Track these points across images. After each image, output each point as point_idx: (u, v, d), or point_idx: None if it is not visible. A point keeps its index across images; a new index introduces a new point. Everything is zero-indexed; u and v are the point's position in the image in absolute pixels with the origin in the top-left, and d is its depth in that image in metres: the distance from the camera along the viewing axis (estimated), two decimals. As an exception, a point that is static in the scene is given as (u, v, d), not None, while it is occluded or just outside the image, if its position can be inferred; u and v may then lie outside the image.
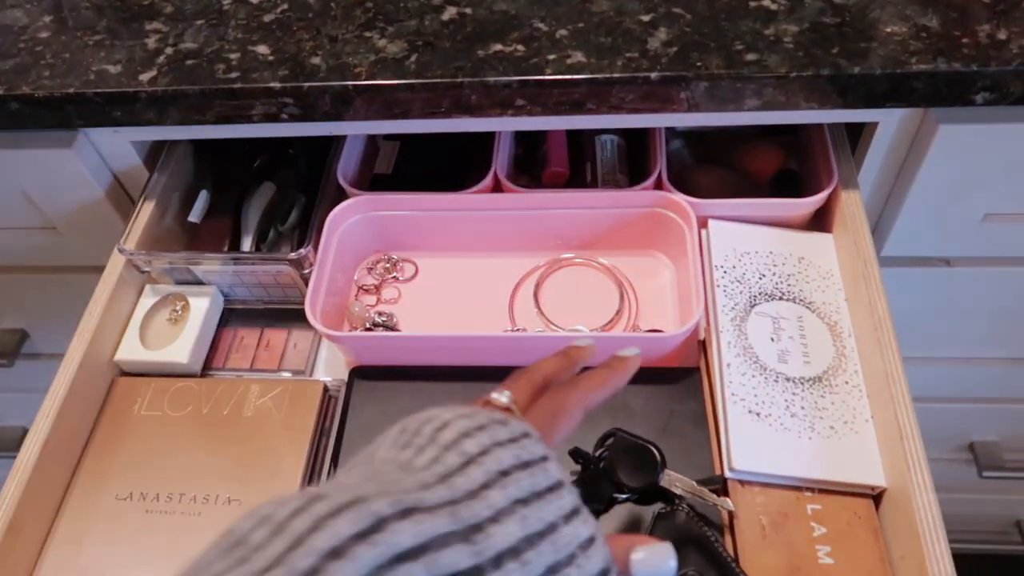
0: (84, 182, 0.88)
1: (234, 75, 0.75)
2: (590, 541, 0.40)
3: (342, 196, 0.88)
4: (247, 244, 0.93)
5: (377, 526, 0.34)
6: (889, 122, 0.79)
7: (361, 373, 0.80)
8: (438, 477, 0.39)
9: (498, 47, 0.75)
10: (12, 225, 0.96)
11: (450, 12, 0.78)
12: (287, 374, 0.85)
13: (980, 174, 0.81)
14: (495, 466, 0.39)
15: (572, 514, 0.40)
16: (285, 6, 0.82)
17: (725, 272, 0.80)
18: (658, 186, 0.84)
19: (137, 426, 0.79)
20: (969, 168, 0.80)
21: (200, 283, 0.88)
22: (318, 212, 0.87)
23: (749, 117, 0.77)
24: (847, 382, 0.73)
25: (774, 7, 0.75)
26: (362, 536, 0.34)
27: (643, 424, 0.73)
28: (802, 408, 0.71)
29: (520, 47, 0.74)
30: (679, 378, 0.76)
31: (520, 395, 0.49)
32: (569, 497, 0.41)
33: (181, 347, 0.83)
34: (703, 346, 0.79)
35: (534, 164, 0.95)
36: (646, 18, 0.75)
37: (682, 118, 0.78)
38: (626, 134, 0.94)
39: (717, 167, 0.91)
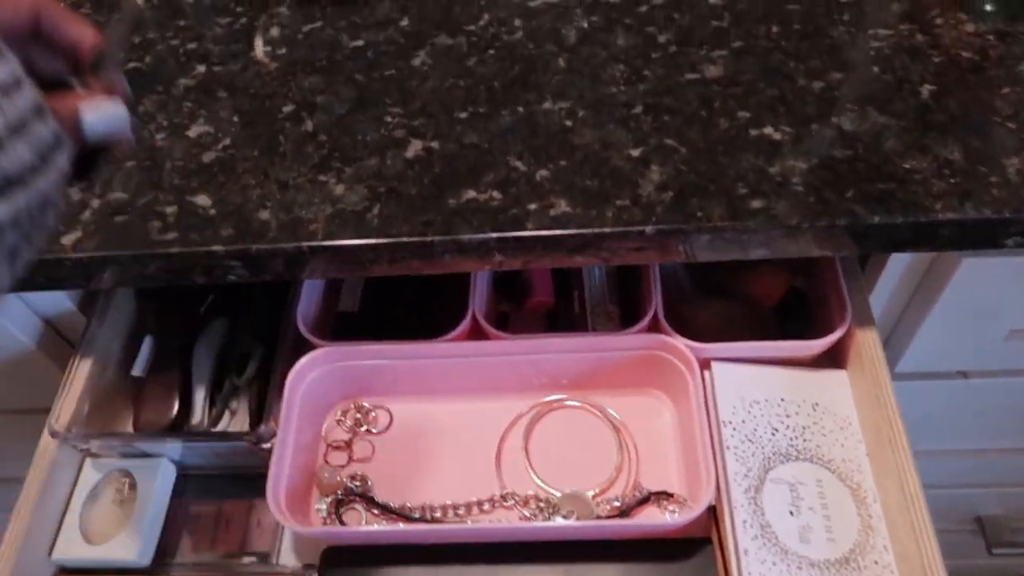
0: (9, 336, 0.80)
1: (171, 235, 0.66)
2: (36, 111, 0.39)
3: (303, 341, 0.80)
4: (199, 399, 0.85)
5: None
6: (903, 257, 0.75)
7: (335, 558, 0.73)
8: None
9: (471, 194, 0.66)
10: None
11: (415, 147, 0.70)
12: (251, 559, 0.76)
13: (1005, 297, 0.77)
14: None
15: (12, 88, 0.38)
16: (227, 141, 0.73)
17: (735, 429, 0.72)
18: (654, 325, 0.77)
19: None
20: (994, 294, 0.76)
21: (147, 455, 0.79)
22: (278, 367, 0.79)
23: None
24: (876, 561, 0.66)
25: (778, 136, 0.67)
26: None
27: None
28: None
29: (496, 193, 0.66)
30: (689, 553, 0.69)
31: None
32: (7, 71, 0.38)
33: (130, 540, 0.74)
34: (713, 512, 0.71)
35: (514, 289, 0.87)
36: (635, 152, 0.67)
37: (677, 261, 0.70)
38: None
39: (717, 298, 0.83)
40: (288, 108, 0.74)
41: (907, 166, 0.65)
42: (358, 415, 0.84)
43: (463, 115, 0.71)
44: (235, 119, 0.73)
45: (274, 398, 0.77)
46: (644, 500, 0.75)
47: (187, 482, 0.81)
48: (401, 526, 0.76)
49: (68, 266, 0.67)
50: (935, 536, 0.63)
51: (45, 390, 0.82)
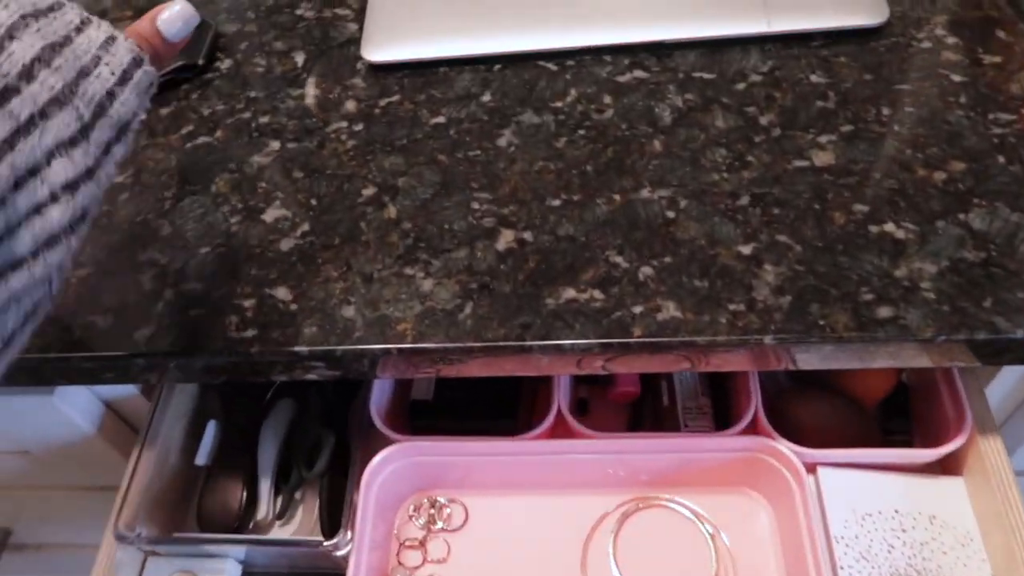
0: (71, 425, 0.78)
1: (250, 333, 0.62)
2: (110, 40, 0.45)
3: (373, 430, 0.76)
4: (264, 490, 0.81)
5: None
6: None
7: None
8: None
9: (570, 293, 0.61)
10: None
11: (506, 238, 0.65)
12: None
13: None
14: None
15: (83, 24, 0.44)
16: (306, 227, 0.68)
17: (848, 546, 0.67)
18: (753, 425, 0.72)
19: None
20: None
21: (212, 555, 0.75)
22: (353, 464, 0.75)
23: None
24: None
25: (901, 234, 0.62)
26: None
27: None
28: None
29: (597, 293, 0.61)
30: None
31: None
32: (73, 11, 0.44)
33: None
34: None
35: (597, 376, 0.82)
36: (746, 250, 0.62)
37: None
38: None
39: (818, 393, 0.77)
40: (369, 191, 0.69)
41: (1050, 266, 0.59)
42: (432, 510, 0.80)
43: (556, 203, 0.66)
44: (313, 202, 0.69)
45: (350, 495, 0.73)
46: None
47: None
48: None
49: (140, 364, 0.62)
50: None
51: (107, 472, 0.80)
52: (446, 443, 0.75)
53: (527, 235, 0.64)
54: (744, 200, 0.65)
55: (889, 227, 0.62)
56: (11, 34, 0.40)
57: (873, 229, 0.62)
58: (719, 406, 0.80)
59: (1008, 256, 0.60)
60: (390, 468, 0.75)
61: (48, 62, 0.41)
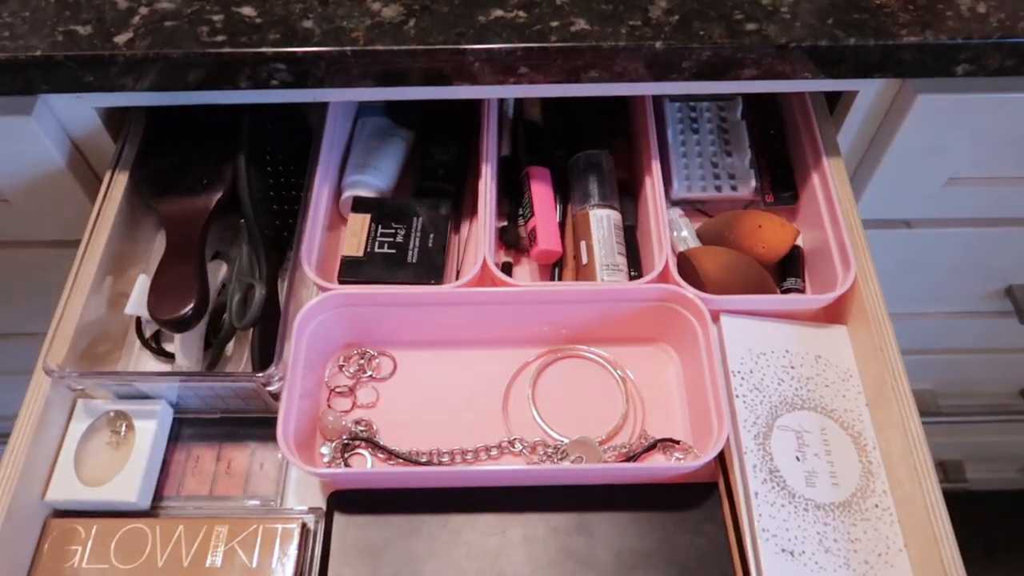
0: (44, 151, 0.80)
1: (220, 38, 0.72)
2: None
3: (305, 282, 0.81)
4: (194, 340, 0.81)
5: None
6: (868, 92, 0.82)
7: (342, 502, 0.72)
8: None
9: (499, 12, 0.74)
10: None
11: None
12: (254, 502, 0.73)
13: (949, 141, 0.85)
14: None
15: None
16: None
17: (743, 379, 0.75)
18: (664, 277, 0.79)
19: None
20: (940, 136, 0.84)
21: (145, 396, 0.76)
22: (286, 310, 0.77)
23: (741, 86, 0.77)
24: (876, 505, 0.70)
25: None
26: None
27: (660, 560, 0.69)
28: (835, 541, 0.67)
29: (521, 12, 0.74)
30: (696, 500, 0.72)
31: None
32: None
33: (127, 482, 0.71)
34: (719, 457, 0.72)
35: (520, 240, 0.89)
36: None
37: (680, 87, 0.77)
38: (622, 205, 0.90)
39: (723, 251, 0.85)
40: None
41: (878, 2, 0.75)
42: (361, 361, 0.83)
43: None
44: None
45: (280, 338, 0.75)
46: (651, 447, 0.76)
47: (183, 426, 0.78)
48: (410, 469, 0.74)
49: (120, 63, 0.71)
50: (937, 480, 0.67)
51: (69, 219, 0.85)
52: (375, 292, 0.79)
53: None
54: None
55: (760, -27, 0.78)
56: None
57: (747, -27, 0.78)
58: (635, 270, 0.88)
59: (849, -9, 0.76)
60: (320, 317, 0.78)
61: None
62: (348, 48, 0.71)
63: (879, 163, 0.89)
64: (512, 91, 0.79)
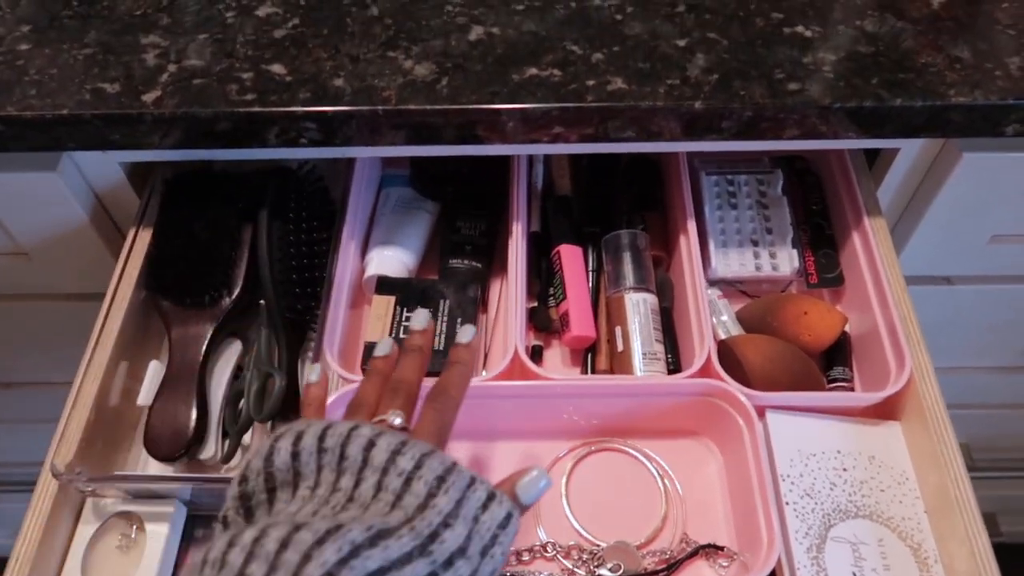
0: (68, 207, 0.78)
1: (250, 97, 0.69)
2: (507, 518, 0.46)
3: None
4: (212, 430, 0.77)
5: (354, 552, 0.40)
6: (911, 149, 0.81)
7: None
8: (393, 496, 0.44)
9: (533, 71, 0.71)
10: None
11: (476, 32, 0.75)
12: None
13: (994, 199, 0.83)
14: (431, 474, 0.45)
15: (488, 500, 0.46)
16: (296, 21, 0.77)
17: (793, 484, 0.70)
18: (706, 371, 0.75)
19: None
20: (985, 193, 0.82)
21: (156, 496, 0.71)
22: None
23: (779, 144, 0.74)
24: None
25: (808, 34, 0.75)
26: (343, 562, 0.39)
27: None
28: None
29: (556, 71, 0.71)
30: None
31: (407, 411, 0.54)
32: (482, 488, 0.46)
33: None
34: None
35: (551, 323, 0.83)
36: (682, 42, 0.74)
37: (714, 145, 0.74)
38: (659, 285, 0.85)
39: (766, 340, 0.80)
40: None
41: (923, 61, 0.72)
42: None
43: (520, 7, 0.77)
44: (301, 2, 0.78)
45: None
46: (694, 553, 0.70)
47: (198, 524, 0.72)
48: None
49: (148, 121, 0.68)
50: None
51: (93, 274, 0.86)
52: None
53: (495, 30, 0.75)
54: (681, 8, 0.77)
55: (799, 29, 0.76)
56: (447, 519, 0.44)
57: (786, 30, 0.75)
58: (673, 356, 0.82)
59: (892, 50, 0.74)
60: (341, 411, 0.73)
61: (471, 539, 0.45)
62: (380, 107, 0.68)
63: (920, 220, 0.86)
64: (543, 149, 0.76)
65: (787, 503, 0.69)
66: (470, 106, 0.68)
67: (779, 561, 0.65)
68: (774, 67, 0.72)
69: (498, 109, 0.68)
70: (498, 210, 0.88)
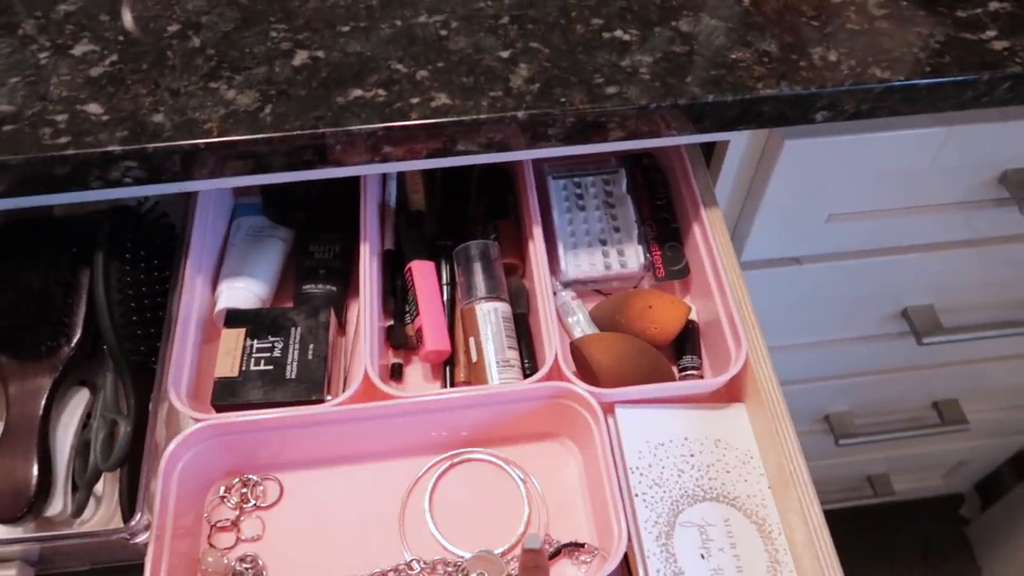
0: None
1: (64, 139, 0.67)
2: None
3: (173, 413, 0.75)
4: (59, 483, 0.75)
5: None
6: (739, 140, 0.84)
7: None
8: None
9: (357, 92, 0.71)
10: None
11: (301, 56, 0.75)
12: None
13: (823, 181, 0.87)
14: None
15: None
16: (114, 57, 0.75)
17: (642, 475, 0.72)
18: (555, 372, 0.76)
19: None
20: (813, 176, 0.86)
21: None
22: (152, 447, 0.72)
23: (614, 145, 0.76)
24: None
25: (627, 38, 0.77)
26: None
27: None
28: None
29: (381, 91, 0.71)
30: None
31: None
32: None
33: None
34: (625, 562, 0.70)
35: (407, 339, 0.84)
36: (505, 54, 0.75)
37: (552, 151, 0.76)
38: (514, 293, 0.86)
39: (614, 337, 0.82)
40: (173, 27, 0.77)
41: (734, 57, 0.75)
42: (244, 490, 0.77)
43: (345, 28, 0.77)
44: (120, 38, 0.76)
45: (146, 478, 0.70)
46: (556, 553, 0.72)
47: None
48: None
49: None
50: (840, 567, 0.65)
51: None
52: (252, 418, 0.72)
53: (320, 53, 0.75)
54: (505, 20, 0.78)
55: (618, 33, 0.77)
56: None
57: (606, 35, 0.77)
58: (530, 361, 0.83)
59: (706, 49, 0.76)
60: (193, 451, 0.72)
61: None
62: (202, 140, 0.67)
63: (760, 205, 0.89)
64: (385, 168, 0.75)
65: (637, 494, 0.70)
66: (294, 132, 0.68)
67: (631, 551, 0.68)
68: (593, 72, 0.73)
69: (323, 132, 0.68)
70: (353, 231, 0.87)
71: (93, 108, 0.70)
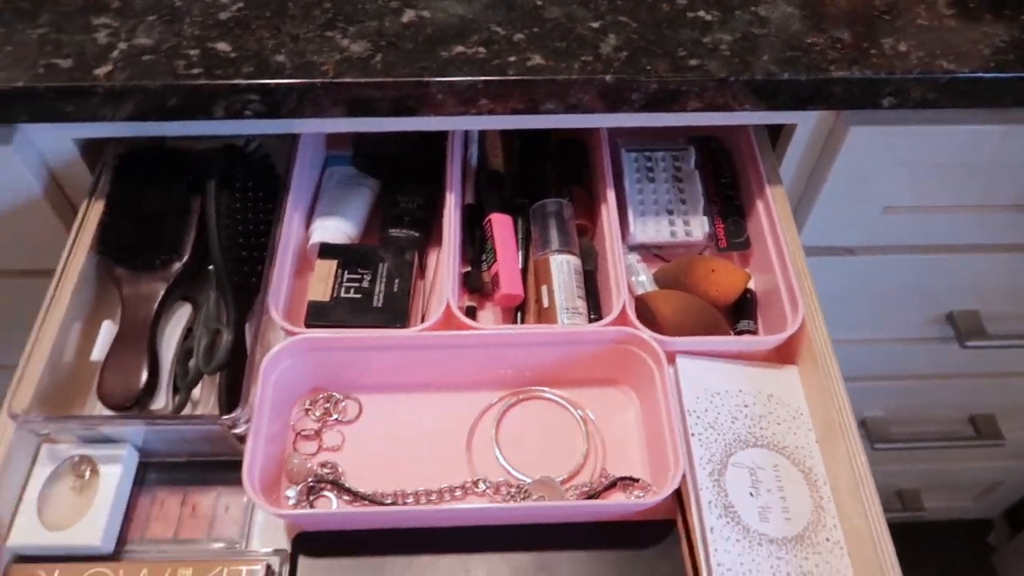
0: (22, 181, 0.83)
1: (196, 71, 0.75)
2: None
3: (272, 328, 0.82)
4: (163, 384, 0.82)
5: None
6: (806, 125, 0.89)
7: (306, 544, 0.72)
8: None
9: (460, 49, 0.78)
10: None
11: (408, 15, 0.82)
12: (219, 545, 0.73)
13: (883, 171, 0.91)
14: None
15: None
16: (241, 4, 0.83)
17: (698, 417, 0.77)
18: (622, 319, 0.82)
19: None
20: (874, 166, 0.90)
21: (110, 440, 0.76)
22: (252, 354, 0.78)
23: (688, 118, 0.82)
24: (827, 539, 0.72)
25: (709, 18, 0.83)
26: None
27: None
28: (788, 575, 0.69)
29: (481, 49, 0.78)
30: (654, 537, 0.73)
31: None
32: None
33: (92, 525, 0.71)
34: (677, 495, 0.74)
35: (483, 285, 0.91)
36: (596, 25, 0.81)
37: (630, 118, 0.82)
38: (583, 251, 0.92)
39: (678, 294, 0.88)
40: None
41: (808, 41, 0.81)
42: (327, 405, 0.83)
43: None
44: None
45: (246, 384, 0.76)
46: (611, 485, 0.77)
47: (148, 471, 0.77)
48: (374, 509, 0.75)
49: (100, 94, 0.74)
50: (882, 513, 0.69)
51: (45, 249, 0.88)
52: (340, 336, 0.79)
53: (426, 13, 0.82)
54: None
55: (701, 13, 0.84)
56: None
57: (689, 15, 0.84)
58: (596, 314, 0.89)
59: (783, 32, 0.82)
60: (287, 363, 0.79)
61: None
62: (318, 80, 0.74)
63: (819, 192, 0.94)
64: (474, 122, 0.83)
65: (693, 434, 0.76)
66: (402, 79, 0.75)
67: (685, 484, 0.73)
68: (677, 46, 0.80)
69: (427, 82, 0.75)
70: (435, 186, 0.95)
71: (222, 46, 0.78)
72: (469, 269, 0.92)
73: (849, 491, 0.71)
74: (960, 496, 1.83)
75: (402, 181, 0.98)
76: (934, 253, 1.06)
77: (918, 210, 0.99)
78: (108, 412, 0.79)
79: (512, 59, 0.77)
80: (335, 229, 0.92)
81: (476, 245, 0.93)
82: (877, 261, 1.06)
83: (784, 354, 0.84)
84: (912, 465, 1.63)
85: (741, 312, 0.90)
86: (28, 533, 0.70)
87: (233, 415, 0.71)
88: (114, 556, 0.71)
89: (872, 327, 1.21)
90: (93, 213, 0.85)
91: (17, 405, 0.71)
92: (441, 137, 0.94)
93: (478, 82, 0.76)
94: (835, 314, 1.05)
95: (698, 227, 0.94)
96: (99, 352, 0.81)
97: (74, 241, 0.82)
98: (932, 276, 1.10)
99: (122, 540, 0.72)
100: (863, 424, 1.45)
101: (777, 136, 0.95)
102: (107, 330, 0.82)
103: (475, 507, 0.75)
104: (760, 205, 0.91)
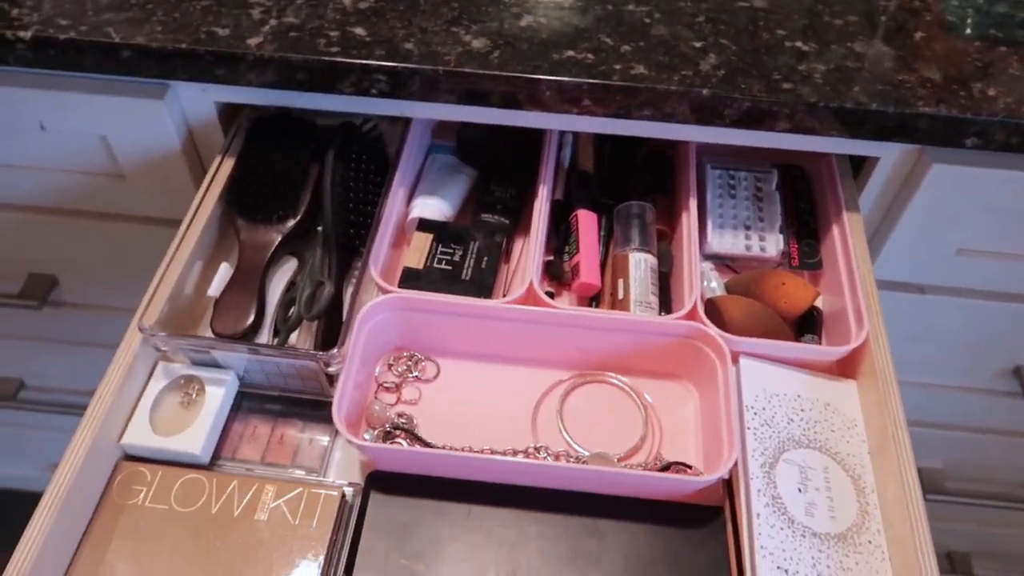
0: (166, 135, 0.92)
1: (335, 49, 0.84)
2: None
3: (370, 286, 0.89)
4: (267, 324, 0.91)
5: None
6: (888, 158, 0.92)
7: (378, 481, 0.78)
8: None
9: (570, 53, 0.86)
10: (79, 169, 1.02)
11: (527, 20, 0.90)
12: (300, 472, 0.81)
13: (961, 211, 0.93)
14: None
15: None
16: None
17: (755, 414, 0.82)
18: (691, 316, 0.87)
19: (140, 519, 0.75)
20: (952, 205, 0.93)
21: (216, 365, 0.85)
22: (351, 308, 0.87)
23: (775, 139, 0.87)
24: (870, 541, 0.74)
25: (806, 48, 0.89)
26: None
27: (663, 570, 0.74)
28: (828, 567, 0.72)
29: (590, 55, 0.85)
30: (701, 520, 0.77)
31: None
32: None
33: (194, 437, 0.79)
34: (727, 485, 0.78)
35: (561, 271, 0.98)
36: (698, 45, 0.88)
37: (720, 133, 0.87)
38: (660, 254, 0.98)
39: (747, 300, 0.93)
40: None
41: (899, 78, 0.86)
42: (409, 363, 0.90)
43: (566, 4, 0.92)
44: None
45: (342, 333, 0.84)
46: (665, 468, 0.81)
47: (245, 399, 0.86)
48: (444, 453, 0.81)
49: (249, 61, 0.84)
50: (928, 526, 0.72)
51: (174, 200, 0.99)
52: (430, 298, 0.86)
53: (543, 20, 0.90)
54: (701, 19, 0.92)
55: (799, 44, 0.90)
56: None
57: (788, 44, 0.89)
58: (666, 312, 0.95)
59: (875, 68, 0.88)
60: (379, 317, 0.87)
61: None
62: (440, 68, 0.83)
63: (895, 226, 0.97)
64: (574, 122, 0.89)
65: (748, 428, 0.79)
66: (515, 74, 0.83)
67: (736, 472, 0.77)
68: (773, 70, 0.86)
69: (539, 79, 0.83)
70: (528, 179, 1.02)
71: (359, 31, 0.87)
72: (551, 258, 0.99)
73: (897, 501, 0.74)
74: (1013, 568, 1.76)
75: (498, 172, 1.06)
76: (1007, 301, 1.06)
77: (993, 255, 1.00)
78: (219, 340, 0.88)
79: (617, 67, 0.84)
80: (434, 207, 1.00)
81: (560, 237, 1.00)
82: (947, 303, 1.07)
83: (845, 369, 0.88)
84: (965, 525, 1.58)
85: (806, 326, 0.95)
86: (138, 435, 0.78)
87: (330, 353, 0.79)
88: (209, 466, 0.79)
89: (936, 371, 1.21)
90: (224, 168, 0.94)
91: (146, 320, 0.80)
92: (538, 136, 1.02)
93: (584, 84, 0.83)
94: (899, 352, 1.06)
95: (773, 244, 1.00)
96: (215, 289, 0.90)
97: (206, 191, 0.92)
98: (1003, 325, 1.10)
99: (217, 454, 0.80)
100: (918, 473, 1.43)
101: (859, 169, 0.99)
102: (224, 271, 0.91)
103: (536, 463, 0.81)
104: (836, 230, 0.95)
